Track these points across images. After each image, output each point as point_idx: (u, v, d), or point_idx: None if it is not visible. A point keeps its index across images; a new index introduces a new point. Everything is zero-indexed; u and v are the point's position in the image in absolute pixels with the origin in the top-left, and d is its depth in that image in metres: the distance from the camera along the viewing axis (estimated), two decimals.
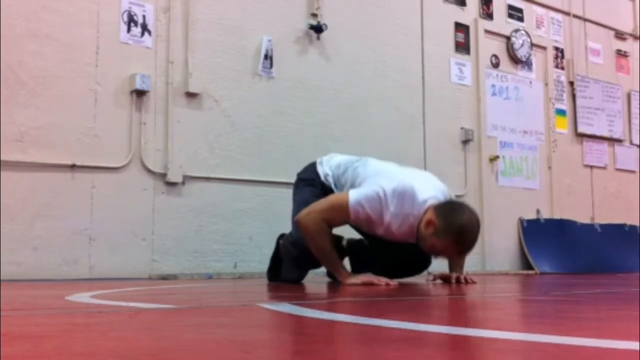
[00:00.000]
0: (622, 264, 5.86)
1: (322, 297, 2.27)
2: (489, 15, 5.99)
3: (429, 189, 2.85)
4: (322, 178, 3.18)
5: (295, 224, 2.97)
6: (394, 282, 2.78)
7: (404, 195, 2.76)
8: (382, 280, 2.75)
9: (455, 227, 2.67)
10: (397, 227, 2.81)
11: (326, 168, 3.20)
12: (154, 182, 4.10)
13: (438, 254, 2.85)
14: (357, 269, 3.22)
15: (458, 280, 3.02)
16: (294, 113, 4.71)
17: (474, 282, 3.05)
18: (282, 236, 3.43)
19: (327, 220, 2.85)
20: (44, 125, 3.77)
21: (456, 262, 3.14)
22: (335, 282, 3.18)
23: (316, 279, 3.51)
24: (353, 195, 2.80)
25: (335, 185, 3.11)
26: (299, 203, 3.08)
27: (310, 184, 3.21)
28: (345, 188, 3.01)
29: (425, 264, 3.28)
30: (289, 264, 3.20)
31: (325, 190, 3.13)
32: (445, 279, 3.08)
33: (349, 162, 3.15)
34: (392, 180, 2.80)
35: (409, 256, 3.16)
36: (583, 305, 1.83)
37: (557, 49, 6.54)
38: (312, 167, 3.29)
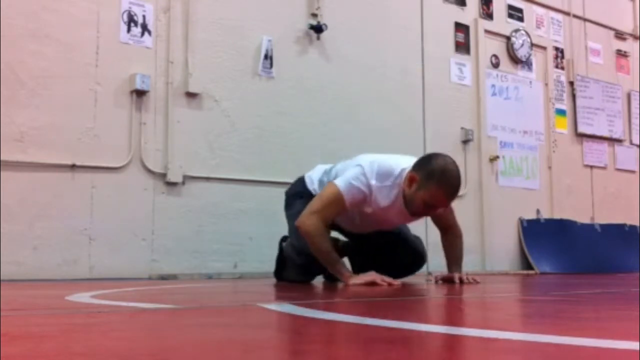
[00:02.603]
0: (622, 264, 5.86)
1: (322, 297, 2.27)
2: (489, 15, 5.99)
3: (405, 160, 2.93)
4: (311, 189, 3.20)
5: (296, 230, 2.98)
6: (397, 282, 2.78)
7: (383, 168, 2.86)
8: (386, 280, 2.75)
9: (437, 170, 2.74)
10: (386, 204, 2.86)
11: (315, 178, 3.23)
12: (154, 182, 4.10)
13: (431, 206, 2.84)
14: (358, 270, 3.22)
15: (461, 281, 3.02)
16: (294, 113, 4.70)
17: (477, 282, 3.05)
18: (284, 238, 3.45)
19: (325, 217, 2.88)
20: (44, 125, 3.77)
21: (454, 262, 3.15)
22: (329, 282, 3.19)
23: (316, 279, 3.51)
24: (339, 182, 2.86)
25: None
26: (294, 216, 3.08)
27: (299, 196, 3.23)
28: None
29: (419, 262, 3.30)
30: (294, 271, 3.22)
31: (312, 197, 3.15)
32: (448, 280, 3.09)
33: (333, 166, 3.21)
34: (369, 160, 2.90)
35: (403, 256, 3.17)
36: (583, 305, 1.82)
37: (557, 49, 6.54)
38: (299, 181, 3.33)
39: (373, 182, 2.83)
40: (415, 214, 2.94)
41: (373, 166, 2.85)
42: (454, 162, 2.83)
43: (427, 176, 2.74)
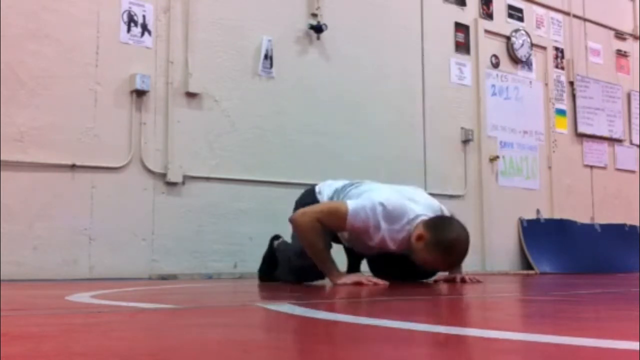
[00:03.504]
0: (622, 264, 5.86)
1: (322, 297, 2.27)
2: (489, 15, 5.99)
3: (421, 206, 2.94)
4: (321, 200, 3.17)
5: (290, 222, 2.99)
6: (383, 282, 2.80)
7: (397, 212, 2.84)
8: (372, 280, 2.80)
9: (445, 242, 2.75)
10: (391, 240, 2.87)
11: (325, 194, 3.20)
12: (154, 182, 4.10)
13: (429, 267, 2.93)
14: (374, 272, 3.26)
15: (463, 281, 3.03)
16: (294, 113, 4.70)
17: (478, 282, 3.07)
18: (276, 237, 3.45)
19: (323, 222, 2.88)
20: (44, 125, 3.77)
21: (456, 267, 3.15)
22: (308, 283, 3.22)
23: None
24: (351, 204, 2.85)
25: None
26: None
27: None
28: None
29: (429, 275, 3.26)
30: (288, 273, 3.20)
31: None
32: (450, 281, 3.09)
33: (347, 185, 3.19)
34: (385, 198, 2.87)
35: (410, 269, 3.16)
36: (583, 305, 1.82)
37: (557, 49, 6.54)
38: (309, 193, 3.30)
39: (382, 224, 2.82)
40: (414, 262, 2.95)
41: (388, 208, 2.82)
42: (466, 235, 2.83)
43: (435, 243, 2.75)
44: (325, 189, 3.23)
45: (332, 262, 2.92)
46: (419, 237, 2.78)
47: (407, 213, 2.85)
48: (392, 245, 2.88)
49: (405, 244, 2.86)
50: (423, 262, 2.84)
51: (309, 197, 3.25)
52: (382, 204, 2.82)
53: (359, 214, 2.81)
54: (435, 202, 3.09)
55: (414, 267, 3.00)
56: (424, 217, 2.86)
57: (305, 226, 2.88)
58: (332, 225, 2.92)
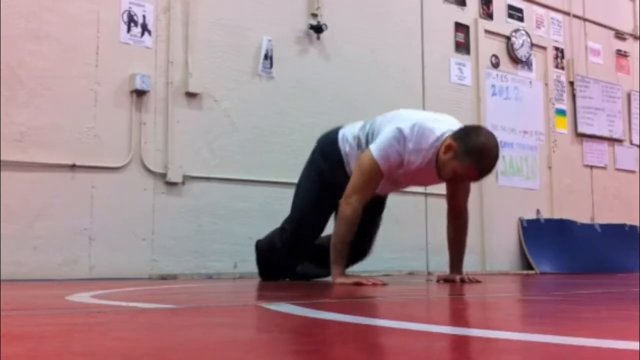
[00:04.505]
0: (622, 264, 5.86)
1: (322, 297, 2.27)
2: (489, 15, 5.99)
3: (445, 124, 2.89)
4: (342, 149, 3.16)
5: (294, 211, 3.13)
6: (382, 282, 2.81)
7: (421, 132, 2.81)
8: (370, 280, 2.80)
9: (476, 147, 2.73)
10: (417, 165, 2.84)
11: (348, 135, 3.16)
12: (154, 182, 4.10)
13: (459, 178, 2.86)
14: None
15: (463, 281, 3.03)
16: (294, 113, 4.70)
17: (478, 282, 3.07)
18: (259, 242, 3.58)
19: (367, 195, 2.87)
20: (44, 125, 3.77)
21: (457, 259, 3.17)
22: (291, 280, 3.26)
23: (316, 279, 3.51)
24: (374, 149, 2.84)
25: (366, 143, 3.05)
26: (299, 199, 3.22)
27: (325, 157, 3.23)
28: (370, 142, 2.99)
29: (358, 259, 3.33)
30: (283, 258, 3.27)
31: (322, 180, 3.20)
32: (450, 281, 3.09)
33: (367, 121, 3.17)
34: (408, 121, 2.85)
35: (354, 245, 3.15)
36: (583, 305, 1.82)
37: (557, 49, 6.54)
38: (331, 137, 3.25)
39: (410, 145, 2.80)
40: (443, 179, 2.94)
41: (414, 129, 2.80)
42: (495, 140, 2.83)
43: (466, 150, 2.72)
44: (349, 130, 3.19)
45: (345, 259, 2.94)
46: (448, 148, 2.75)
47: (432, 131, 2.81)
48: (416, 170, 2.83)
49: (430, 166, 2.83)
50: (453, 172, 2.79)
51: (329, 142, 3.23)
52: (400, 130, 2.80)
53: (387, 152, 2.80)
54: (458, 122, 3.01)
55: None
56: (449, 134, 2.82)
57: (349, 218, 2.86)
58: (377, 185, 2.91)
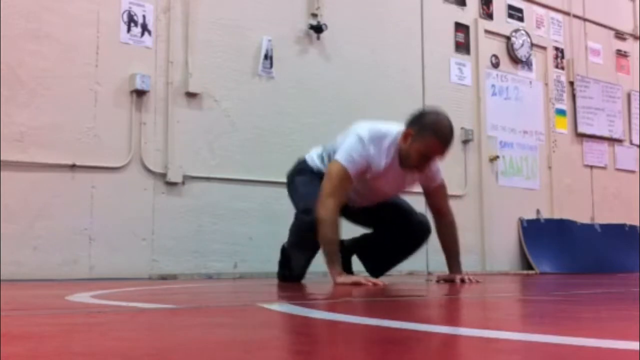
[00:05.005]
0: (622, 264, 5.86)
1: (322, 297, 2.27)
2: (489, 15, 5.99)
3: (396, 126, 3.05)
4: (311, 165, 3.27)
5: (299, 211, 3.10)
6: (382, 282, 2.82)
7: (378, 135, 2.98)
8: (370, 281, 2.81)
9: (429, 122, 2.89)
10: (385, 165, 2.95)
11: (314, 155, 3.31)
12: (154, 182, 4.10)
13: (427, 157, 2.93)
14: (368, 264, 3.40)
15: (463, 281, 3.03)
16: (294, 113, 4.70)
17: (478, 282, 3.07)
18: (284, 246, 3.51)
19: (340, 197, 2.94)
20: (44, 125, 3.77)
21: (454, 258, 3.17)
22: (283, 282, 3.26)
23: (316, 279, 3.51)
24: (340, 157, 2.96)
25: (330, 159, 3.16)
26: (299, 197, 3.20)
27: (298, 173, 3.32)
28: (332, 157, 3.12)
29: (425, 234, 3.35)
30: (296, 252, 3.26)
31: (312, 175, 3.23)
32: (450, 281, 3.09)
33: (326, 144, 3.32)
34: (363, 129, 3.02)
35: (409, 228, 3.30)
36: (583, 305, 1.82)
37: (557, 49, 6.54)
38: (299, 162, 3.40)
39: (372, 149, 2.94)
40: (412, 168, 2.99)
41: (371, 133, 2.96)
42: (445, 113, 2.98)
43: (421, 128, 2.88)
44: (314, 152, 3.35)
45: (338, 258, 2.94)
46: (406, 136, 2.91)
47: (387, 132, 2.99)
48: (387, 171, 2.95)
49: (398, 160, 2.96)
50: (418, 154, 2.90)
51: (298, 164, 3.37)
52: (359, 136, 2.96)
53: (352, 157, 2.93)
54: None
55: (407, 231, 3.21)
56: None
57: (326, 218, 2.90)
58: (348, 188, 2.98)
